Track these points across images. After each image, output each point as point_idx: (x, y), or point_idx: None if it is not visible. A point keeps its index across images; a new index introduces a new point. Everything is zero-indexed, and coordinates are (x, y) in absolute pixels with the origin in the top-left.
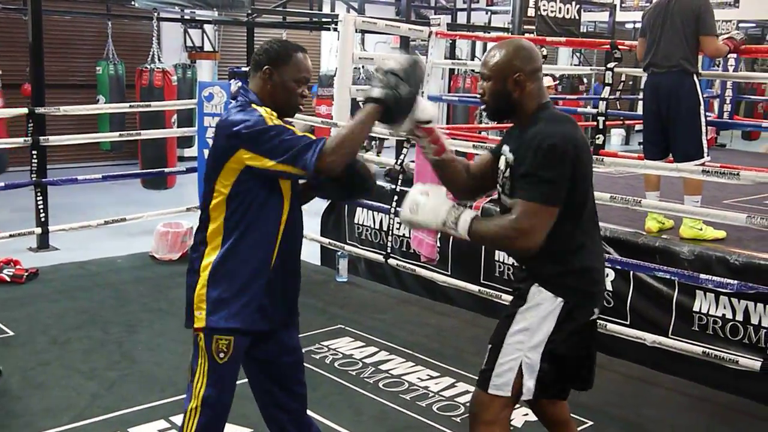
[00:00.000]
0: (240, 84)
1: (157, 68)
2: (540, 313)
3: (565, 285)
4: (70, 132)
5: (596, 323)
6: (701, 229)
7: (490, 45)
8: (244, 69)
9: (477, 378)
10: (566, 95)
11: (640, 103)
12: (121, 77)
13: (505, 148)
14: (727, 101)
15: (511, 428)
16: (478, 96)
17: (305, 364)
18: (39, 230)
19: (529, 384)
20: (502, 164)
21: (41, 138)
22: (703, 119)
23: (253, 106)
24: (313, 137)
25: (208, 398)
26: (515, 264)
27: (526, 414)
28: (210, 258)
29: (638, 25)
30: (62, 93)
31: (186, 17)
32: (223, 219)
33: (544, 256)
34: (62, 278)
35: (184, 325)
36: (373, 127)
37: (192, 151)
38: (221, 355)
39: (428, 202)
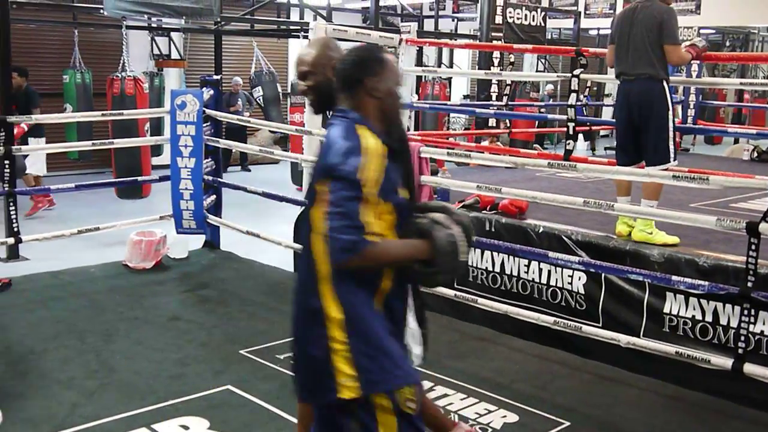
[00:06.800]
0: (212, 92)
1: (129, 76)
2: None
3: None
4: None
5: None
6: (651, 233)
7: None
8: (215, 77)
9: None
10: (524, 101)
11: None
12: (88, 85)
13: None
14: (691, 106)
15: (489, 430)
16: None
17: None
18: (11, 240)
19: None
20: None
21: (14, 147)
22: (671, 125)
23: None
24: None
25: None
26: None
27: (505, 416)
28: None
29: (603, 32)
30: None
31: (153, 25)
32: None
33: None
34: (36, 288)
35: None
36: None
37: (160, 160)
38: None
39: None
